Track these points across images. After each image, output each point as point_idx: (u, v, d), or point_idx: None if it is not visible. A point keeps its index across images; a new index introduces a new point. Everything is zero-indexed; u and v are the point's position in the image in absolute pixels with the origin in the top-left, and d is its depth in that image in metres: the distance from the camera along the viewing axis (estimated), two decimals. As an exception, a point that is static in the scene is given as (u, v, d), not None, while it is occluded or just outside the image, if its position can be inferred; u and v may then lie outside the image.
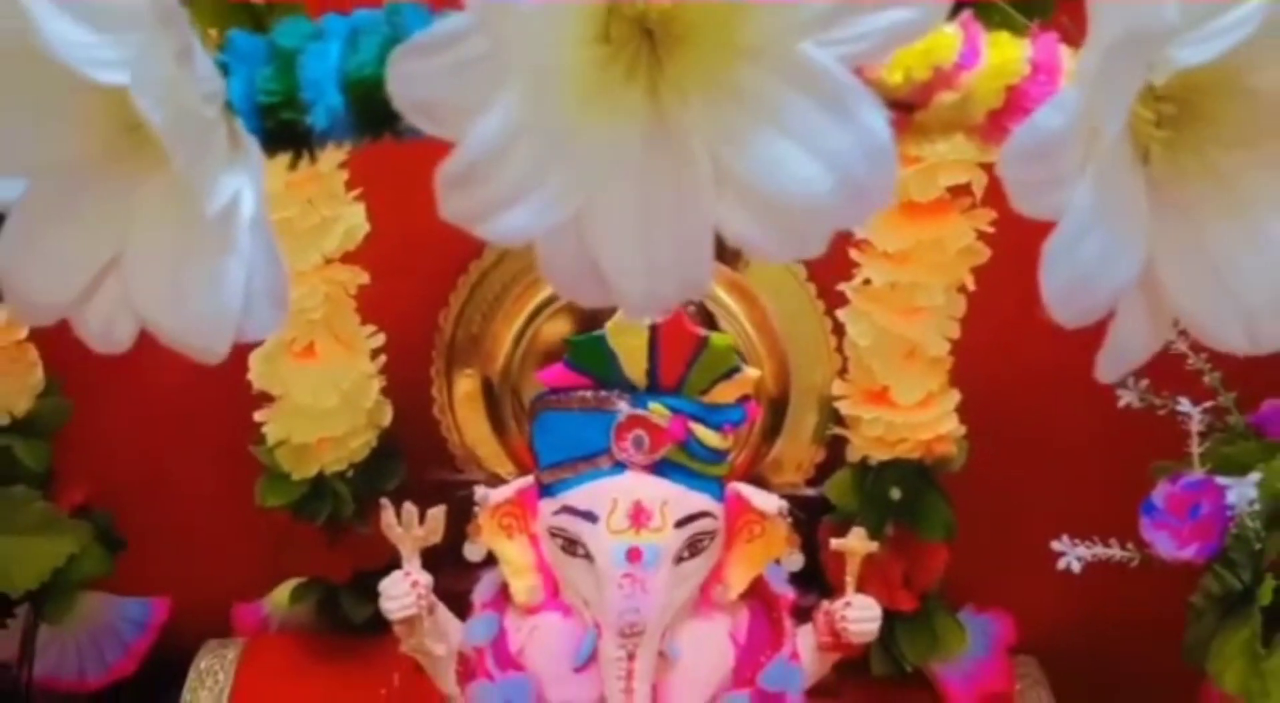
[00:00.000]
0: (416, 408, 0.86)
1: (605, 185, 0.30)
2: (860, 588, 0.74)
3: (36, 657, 0.93)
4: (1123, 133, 0.31)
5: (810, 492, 0.86)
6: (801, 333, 0.83)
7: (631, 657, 0.69)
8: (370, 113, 0.32)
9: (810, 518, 0.83)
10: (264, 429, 0.80)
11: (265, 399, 0.80)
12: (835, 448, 0.86)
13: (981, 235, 0.72)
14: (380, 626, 0.90)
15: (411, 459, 0.86)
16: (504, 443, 0.88)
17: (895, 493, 0.80)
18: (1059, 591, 0.91)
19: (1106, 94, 0.30)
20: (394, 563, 0.73)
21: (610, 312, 0.69)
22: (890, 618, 0.85)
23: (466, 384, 0.87)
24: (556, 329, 0.84)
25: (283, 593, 0.94)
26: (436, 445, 0.88)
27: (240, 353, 0.79)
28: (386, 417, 0.83)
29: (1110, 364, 0.35)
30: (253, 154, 0.30)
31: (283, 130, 0.32)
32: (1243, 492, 0.68)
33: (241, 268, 0.29)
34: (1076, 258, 0.31)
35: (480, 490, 0.71)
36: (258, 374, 0.77)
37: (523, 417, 0.85)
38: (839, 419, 0.81)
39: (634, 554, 0.68)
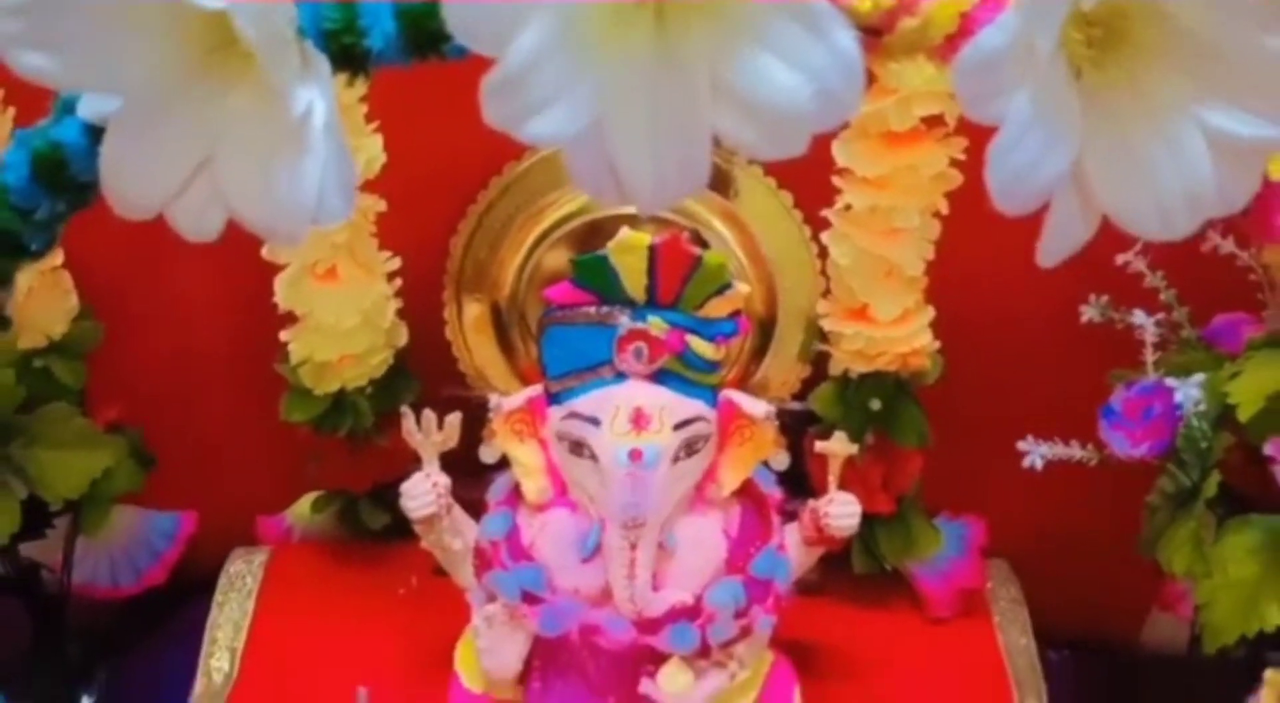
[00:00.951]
0: (429, 330, 0.92)
1: (621, 97, 0.36)
2: (841, 488, 0.81)
3: (75, 566, 1.00)
4: (1056, 51, 0.37)
5: (796, 406, 0.92)
6: (788, 257, 0.89)
7: (634, 546, 0.75)
8: (420, 36, 0.37)
9: (796, 430, 0.89)
10: (289, 348, 0.86)
11: (290, 320, 0.86)
12: (819, 366, 0.92)
13: (955, 163, 0.78)
14: (397, 532, 0.97)
15: (425, 377, 0.92)
16: (512, 364, 0.94)
17: (875, 404, 0.87)
18: (1029, 497, 0.98)
19: (1040, 18, 0.36)
20: (409, 474, 0.80)
21: (609, 236, 0.75)
22: (870, 520, 0.91)
23: (475, 309, 0.93)
24: (557, 258, 0.90)
25: (304, 505, 1.00)
26: (448, 365, 0.94)
27: (264, 276, 0.85)
28: (402, 337, 0.89)
29: (1048, 250, 0.41)
30: (323, 70, 0.36)
31: (344, 52, 0.38)
32: (1189, 393, 0.75)
33: (317, 166, 0.35)
34: (1016, 156, 0.37)
35: (494, 398, 0.77)
36: (284, 296, 0.83)
37: (529, 339, 0.91)
38: (823, 337, 0.87)
39: (635, 455, 0.75)
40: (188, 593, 1.01)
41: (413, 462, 0.79)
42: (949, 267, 0.85)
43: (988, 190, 0.78)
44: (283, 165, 0.35)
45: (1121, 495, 0.85)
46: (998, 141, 0.37)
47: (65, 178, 0.42)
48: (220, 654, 0.91)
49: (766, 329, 0.91)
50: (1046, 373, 0.89)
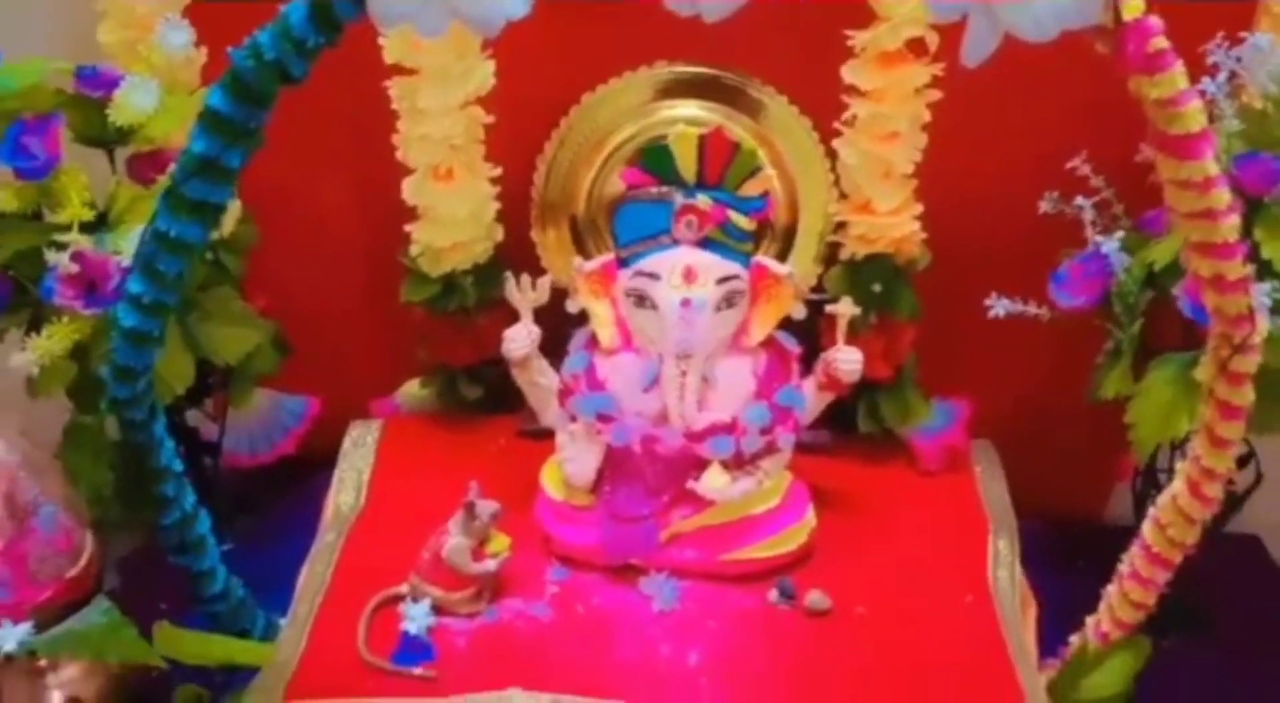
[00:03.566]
0: (518, 230, 1.14)
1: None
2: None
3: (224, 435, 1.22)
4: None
5: (813, 297, 1.13)
6: (807, 172, 1.10)
7: (684, 374, 0.97)
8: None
9: (812, 317, 1.10)
10: (412, 237, 1.08)
11: (412, 216, 1.08)
12: (831, 263, 1.13)
13: (936, 82, 1.00)
14: (487, 405, 1.19)
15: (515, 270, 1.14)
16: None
17: (876, 287, 1.08)
18: (1009, 381, 1.19)
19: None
20: (498, 356, 1.02)
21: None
22: (873, 388, 1.13)
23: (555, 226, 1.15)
24: (616, 182, 1.11)
25: (412, 386, 1.22)
26: (533, 262, 1.15)
27: (391, 185, 1.07)
28: (499, 233, 1.11)
29: (969, 55, 0.63)
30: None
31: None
32: (1119, 257, 0.96)
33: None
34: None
35: (577, 260, 1.00)
36: (411, 192, 1.06)
37: (595, 237, 1.12)
38: (836, 230, 1.08)
39: (686, 302, 0.97)
40: (311, 465, 1.23)
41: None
42: (936, 175, 1.07)
43: (966, 110, 1.02)
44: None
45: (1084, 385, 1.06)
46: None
47: (331, 16, 0.64)
48: (346, 492, 1.13)
49: (789, 236, 1.13)
50: (1015, 257, 1.08)
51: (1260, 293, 0.84)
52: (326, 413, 1.25)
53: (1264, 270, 0.90)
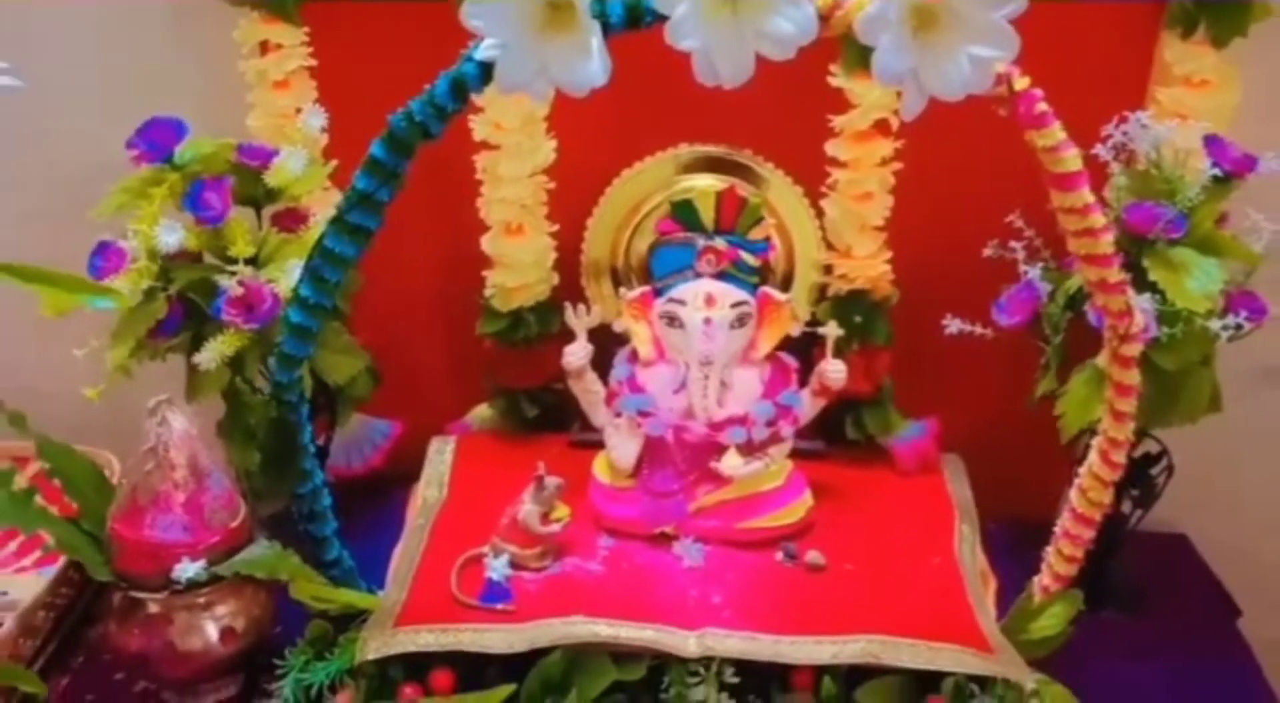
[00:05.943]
0: (570, 277, 1.41)
1: (718, 34, 0.87)
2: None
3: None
4: (902, 19, 0.88)
5: (807, 330, 1.39)
6: (799, 227, 1.37)
7: (706, 378, 1.24)
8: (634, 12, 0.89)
9: (807, 347, 1.37)
10: (488, 281, 1.36)
11: (488, 264, 1.36)
12: (820, 300, 1.39)
13: (897, 154, 1.29)
14: (544, 423, 1.45)
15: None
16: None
17: (858, 318, 1.35)
18: (975, 403, 1.44)
19: (894, 5, 0.87)
20: (555, 381, 1.30)
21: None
22: (858, 404, 1.40)
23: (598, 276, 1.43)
24: (644, 243, 1.38)
25: (481, 409, 1.48)
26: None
27: (469, 238, 1.35)
28: (555, 278, 1.39)
29: (906, 109, 0.91)
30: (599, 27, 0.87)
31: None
32: (1044, 286, 1.23)
33: (595, 64, 0.86)
34: (885, 60, 0.87)
35: (621, 290, 1.27)
36: (488, 244, 1.34)
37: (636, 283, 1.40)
38: (825, 272, 1.36)
39: (708, 322, 1.24)
40: (394, 480, 1.48)
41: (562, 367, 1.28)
42: (902, 228, 1.35)
43: (923, 175, 1.31)
44: (578, 66, 0.86)
45: (1045, 411, 1.31)
46: (878, 55, 0.87)
47: (464, 88, 0.93)
48: (431, 488, 1.38)
49: (787, 280, 1.40)
50: (967, 293, 1.33)
51: (1144, 302, 1.12)
52: (407, 434, 1.51)
53: (1153, 291, 1.17)
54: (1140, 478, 1.34)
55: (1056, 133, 0.95)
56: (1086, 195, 0.97)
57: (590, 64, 0.87)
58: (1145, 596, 1.42)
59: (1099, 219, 0.99)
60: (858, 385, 1.35)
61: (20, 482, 1.19)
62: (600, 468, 1.29)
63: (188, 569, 1.10)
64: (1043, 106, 0.94)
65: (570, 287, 1.41)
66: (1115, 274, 1.02)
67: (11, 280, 1.03)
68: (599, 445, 1.32)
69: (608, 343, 1.31)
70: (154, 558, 1.12)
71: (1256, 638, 1.39)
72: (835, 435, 1.41)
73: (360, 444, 1.49)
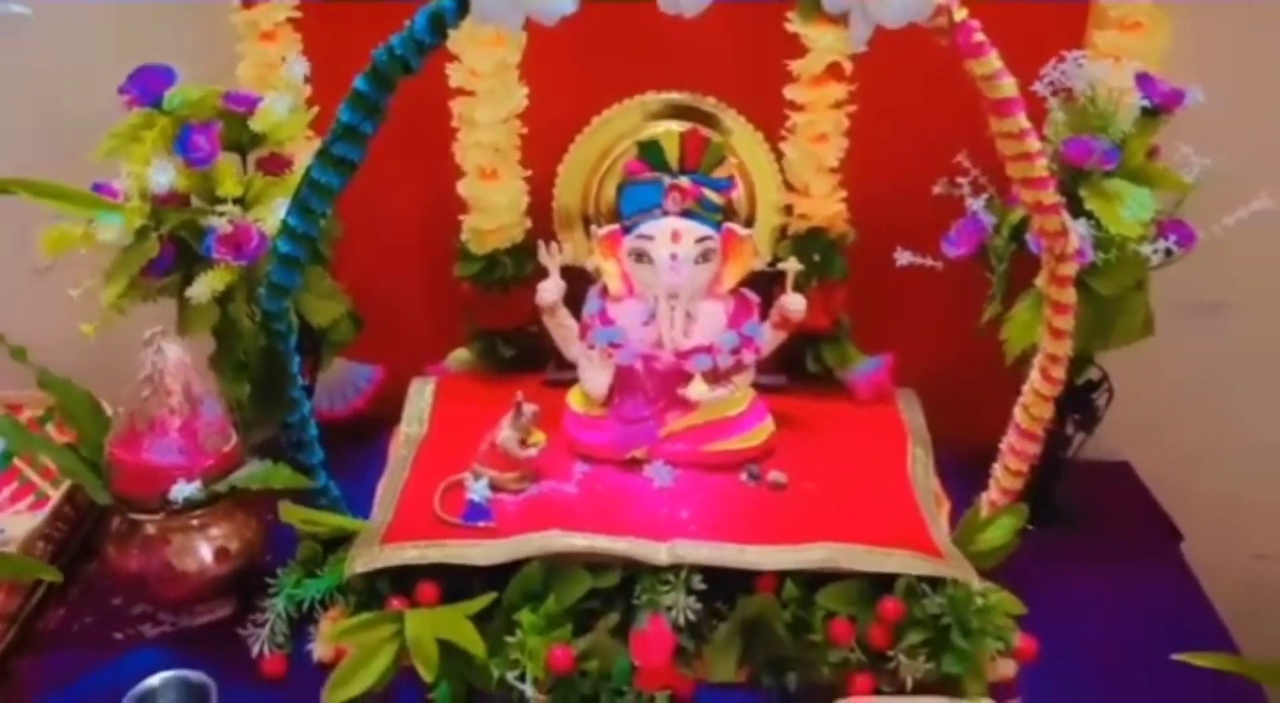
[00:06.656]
0: (542, 222, 1.48)
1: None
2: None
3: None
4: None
5: (768, 268, 1.47)
6: (761, 170, 1.44)
7: (673, 310, 1.31)
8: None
9: (768, 284, 1.44)
10: (464, 224, 1.43)
11: (464, 209, 1.43)
12: (781, 238, 1.47)
13: (851, 97, 1.36)
14: (520, 364, 1.52)
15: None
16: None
17: (816, 255, 1.43)
18: (929, 338, 1.52)
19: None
20: (530, 322, 1.37)
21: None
22: (817, 339, 1.47)
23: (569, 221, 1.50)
24: (613, 185, 1.45)
25: (457, 353, 1.55)
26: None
27: (446, 184, 1.42)
28: (528, 222, 1.46)
29: (854, 39, 0.98)
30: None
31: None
32: (989, 218, 1.31)
33: None
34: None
35: (593, 228, 1.34)
36: (465, 188, 1.40)
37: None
38: (785, 212, 1.44)
39: (674, 257, 1.31)
40: (377, 422, 1.54)
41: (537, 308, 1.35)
42: (856, 169, 1.42)
43: (876, 120, 1.39)
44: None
45: (993, 342, 1.38)
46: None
47: (441, 24, 0.99)
48: (412, 424, 1.44)
49: (749, 223, 1.47)
50: (920, 231, 1.41)
51: (1081, 227, 1.20)
52: (388, 379, 1.58)
53: (1089, 218, 1.25)
54: (1082, 403, 1.42)
55: (993, 61, 1.02)
56: (1022, 121, 1.05)
57: None
58: (1089, 518, 1.50)
59: (1034, 144, 1.06)
60: (816, 320, 1.43)
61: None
62: (574, 398, 1.36)
63: (184, 489, 1.17)
64: (980, 36, 1.01)
65: (543, 234, 1.48)
66: (1050, 196, 1.09)
67: (26, 195, 1.07)
68: (573, 383, 1.39)
69: (581, 286, 1.38)
70: (151, 480, 1.18)
71: (1196, 562, 1.47)
72: (796, 371, 1.48)
73: (343, 388, 1.56)
